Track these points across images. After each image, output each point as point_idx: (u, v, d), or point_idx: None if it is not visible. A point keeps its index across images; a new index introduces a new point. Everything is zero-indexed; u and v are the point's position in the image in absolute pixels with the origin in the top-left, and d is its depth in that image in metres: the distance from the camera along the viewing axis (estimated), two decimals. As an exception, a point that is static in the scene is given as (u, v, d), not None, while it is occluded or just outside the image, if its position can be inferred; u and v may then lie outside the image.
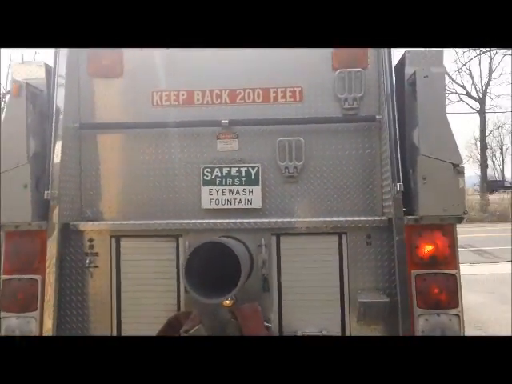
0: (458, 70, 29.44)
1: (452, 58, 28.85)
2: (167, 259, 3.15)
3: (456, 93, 29.22)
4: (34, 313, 2.89)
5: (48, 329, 2.89)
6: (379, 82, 3.17)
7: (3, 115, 3.07)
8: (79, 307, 3.14)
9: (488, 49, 27.64)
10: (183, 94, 3.31)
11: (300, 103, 3.27)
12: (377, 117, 3.15)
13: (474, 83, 30.34)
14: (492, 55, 28.33)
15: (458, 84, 30.44)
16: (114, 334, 3.14)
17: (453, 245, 2.85)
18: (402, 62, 3.13)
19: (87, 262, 3.15)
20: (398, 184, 2.82)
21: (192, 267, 2.71)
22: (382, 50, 3.11)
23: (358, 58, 3.24)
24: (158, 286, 3.14)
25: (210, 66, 3.32)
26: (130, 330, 3.13)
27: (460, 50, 27.82)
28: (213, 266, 2.83)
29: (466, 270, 11.10)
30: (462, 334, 2.79)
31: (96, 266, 3.16)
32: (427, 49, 3.01)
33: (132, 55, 3.33)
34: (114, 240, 3.18)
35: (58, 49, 3.10)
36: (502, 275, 10.62)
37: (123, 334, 3.13)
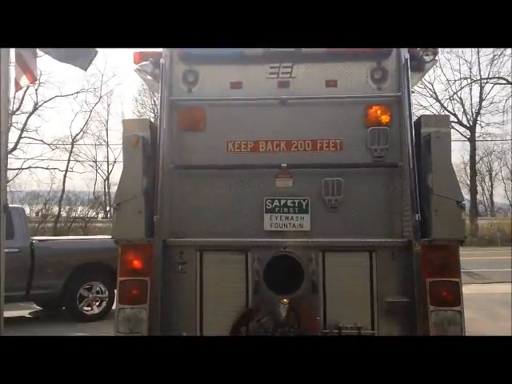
0: (450, 98, 29.27)
1: (444, 86, 29.12)
2: (239, 268, 4.10)
3: (447, 120, 29.51)
4: (145, 305, 3.82)
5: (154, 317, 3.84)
6: (400, 137, 4.14)
7: (123, 161, 4.06)
8: (173, 303, 4.07)
9: (479, 78, 27.71)
10: (251, 144, 4.27)
11: (340, 152, 4.21)
12: (399, 163, 4.12)
13: (464, 111, 30.41)
14: (483, 84, 28.48)
15: (450, 112, 30.43)
16: (198, 326, 4.07)
17: (456, 260, 3.85)
18: (418, 122, 4.09)
19: (179, 268, 4.12)
20: (416, 215, 3.81)
21: (267, 274, 3.72)
22: (404, 111, 4.03)
23: (385, 119, 4.26)
24: (232, 288, 4.09)
25: (272, 121, 4.26)
26: (211, 322, 4.07)
27: (452, 79, 28.24)
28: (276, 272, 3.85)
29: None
30: (463, 326, 3.74)
31: (184, 272, 4.12)
32: (437, 114, 4.06)
33: (212, 113, 4.30)
34: (198, 253, 4.14)
35: (162, 109, 4.11)
36: (490, 295, 11.59)
37: (205, 327, 4.07)
